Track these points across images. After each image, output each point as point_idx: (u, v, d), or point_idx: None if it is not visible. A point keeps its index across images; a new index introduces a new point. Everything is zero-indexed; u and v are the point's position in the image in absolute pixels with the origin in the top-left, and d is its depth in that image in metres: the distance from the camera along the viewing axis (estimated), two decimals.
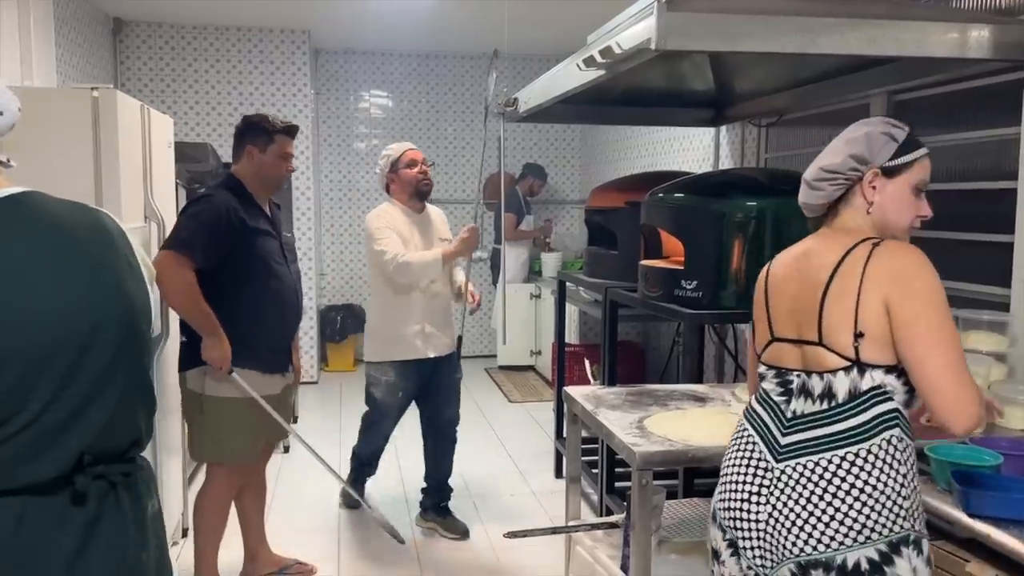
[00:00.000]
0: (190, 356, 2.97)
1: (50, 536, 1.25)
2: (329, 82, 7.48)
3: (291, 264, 3.19)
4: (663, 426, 2.27)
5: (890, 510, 1.57)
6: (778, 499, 1.65)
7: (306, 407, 6.05)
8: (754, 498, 1.69)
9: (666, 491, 2.54)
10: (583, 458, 3.85)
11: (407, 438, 3.95)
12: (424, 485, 3.96)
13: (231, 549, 3.36)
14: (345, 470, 4.47)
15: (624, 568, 2.36)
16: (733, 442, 1.80)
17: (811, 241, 1.78)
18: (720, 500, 1.77)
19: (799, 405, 1.69)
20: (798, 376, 1.70)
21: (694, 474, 3.43)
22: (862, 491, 1.58)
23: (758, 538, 1.68)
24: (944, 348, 1.54)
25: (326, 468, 3.26)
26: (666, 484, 3.03)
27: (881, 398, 1.60)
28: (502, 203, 3.94)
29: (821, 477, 1.61)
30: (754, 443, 1.74)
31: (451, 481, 3.95)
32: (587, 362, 4.99)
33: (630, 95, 3.98)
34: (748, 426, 1.78)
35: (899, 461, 1.59)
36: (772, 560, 1.66)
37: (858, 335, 1.59)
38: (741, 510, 1.71)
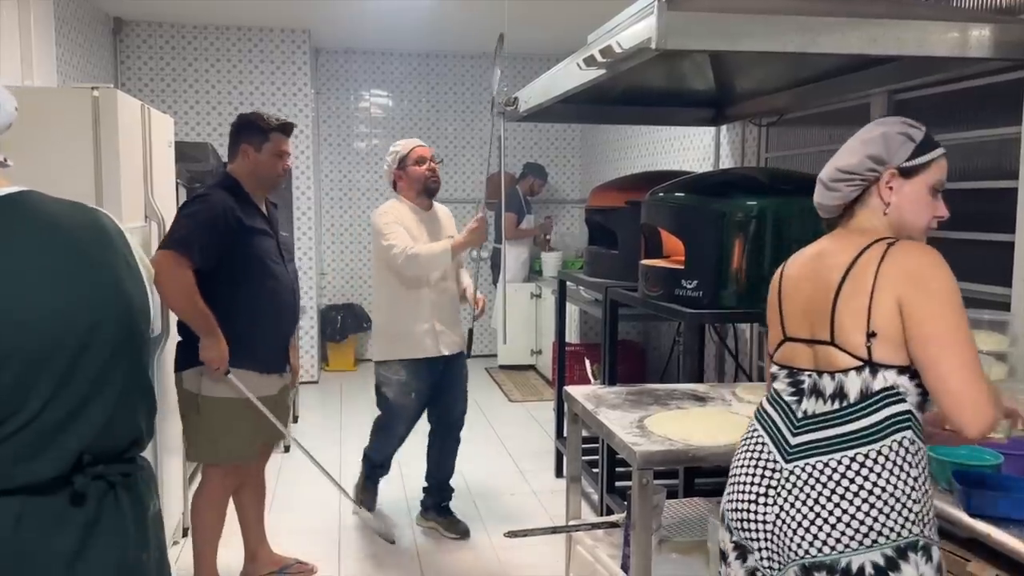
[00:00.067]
0: (187, 356, 2.96)
1: (49, 536, 1.25)
2: (329, 82, 7.48)
3: (288, 263, 3.18)
4: (663, 425, 2.27)
5: (899, 513, 1.55)
6: (786, 500, 1.64)
7: (307, 406, 6.05)
8: (762, 499, 1.68)
9: (666, 490, 2.54)
10: (583, 457, 3.85)
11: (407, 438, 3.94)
12: (425, 484, 3.96)
13: (231, 549, 3.36)
14: (345, 469, 4.47)
15: (624, 567, 2.36)
16: (743, 443, 1.79)
17: (825, 242, 1.77)
18: (728, 501, 1.76)
19: (810, 405, 1.68)
20: (809, 376, 1.69)
21: (694, 473, 3.43)
22: (871, 493, 1.56)
23: (766, 539, 1.67)
24: (959, 348, 1.52)
25: (320, 470, 3.26)
26: (666, 483, 3.03)
27: (893, 399, 1.58)
28: (502, 203, 3.93)
29: (830, 478, 1.59)
30: (763, 443, 1.72)
31: (451, 481, 3.95)
32: (587, 361, 4.98)
33: (630, 94, 3.98)
34: (758, 426, 1.77)
35: (910, 464, 1.57)
36: (779, 562, 1.64)
37: (871, 335, 1.58)
38: (749, 511, 1.69)
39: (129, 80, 6.35)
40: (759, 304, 3.04)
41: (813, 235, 2.98)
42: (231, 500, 3.26)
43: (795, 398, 1.71)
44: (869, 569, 1.55)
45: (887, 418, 1.58)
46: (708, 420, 2.37)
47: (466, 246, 3.67)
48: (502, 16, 5.00)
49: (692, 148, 5.30)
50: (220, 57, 6.55)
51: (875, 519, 1.55)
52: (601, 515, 3.69)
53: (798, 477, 1.63)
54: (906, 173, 1.67)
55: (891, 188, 1.67)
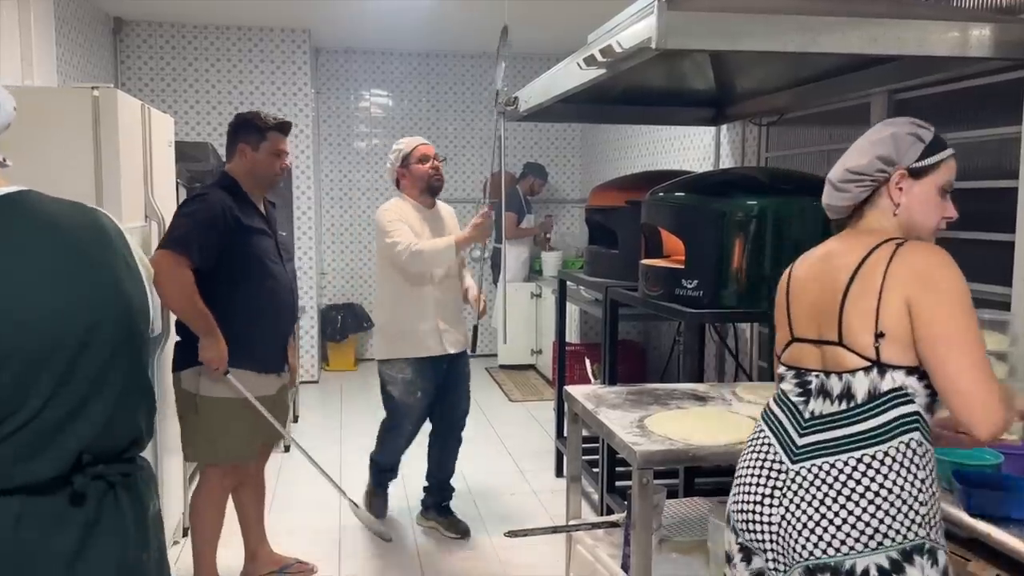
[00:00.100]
0: (185, 356, 2.96)
1: (49, 536, 1.24)
2: (329, 81, 7.48)
3: (287, 263, 3.17)
4: (664, 425, 2.27)
5: (905, 515, 1.54)
6: (791, 501, 1.63)
7: (307, 406, 6.05)
8: (767, 500, 1.67)
9: (667, 490, 2.54)
10: (584, 457, 3.85)
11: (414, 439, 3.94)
12: (426, 484, 3.96)
13: (231, 549, 3.36)
14: (346, 469, 4.47)
15: (625, 567, 2.36)
16: (749, 444, 1.78)
17: (833, 243, 1.76)
18: (734, 503, 1.75)
19: (817, 405, 1.67)
20: (817, 376, 1.68)
21: (695, 473, 3.43)
22: (876, 494, 1.55)
23: (771, 541, 1.66)
24: (968, 348, 1.51)
25: (317, 469, 3.25)
26: (667, 483, 3.03)
27: (901, 400, 1.57)
28: (502, 202, 3.92)
29: (836, 479, 1.58)
30: (769, 444, 1.71)
31: (452, 480, 3.95)
32: (588, 361, 4.98)
33: (631, 94, 3.98)
34: (764, 427, 1.76)
35: (917, 466, 1.56)
36: (784, 564, 1.63)
37: (879, 335, 1.57)
38: (754, 512, 1.68)
39: (129, 80, 6.35)
40: (759, 304, 3.08)
41: (813, 234, 3.02)
42: (231, 500, 3.26)
43: (802, 399, 1.70)
44: (873, 572, 1.54)
45: (895, 419, 1.57)
46: (708, 420, 2.37)
47: (470, 241, 3.64)
48: (502, 16, 5.01)
49: (692, 148, 5.30)
50: (220, 57, 6.55)
51: (880, 521, 1.54)
52: (601, 515, 3.69)
53: (804, 478, 1.62)
54: (916, 174, 1.66)
55: (901, 189, 1.66)
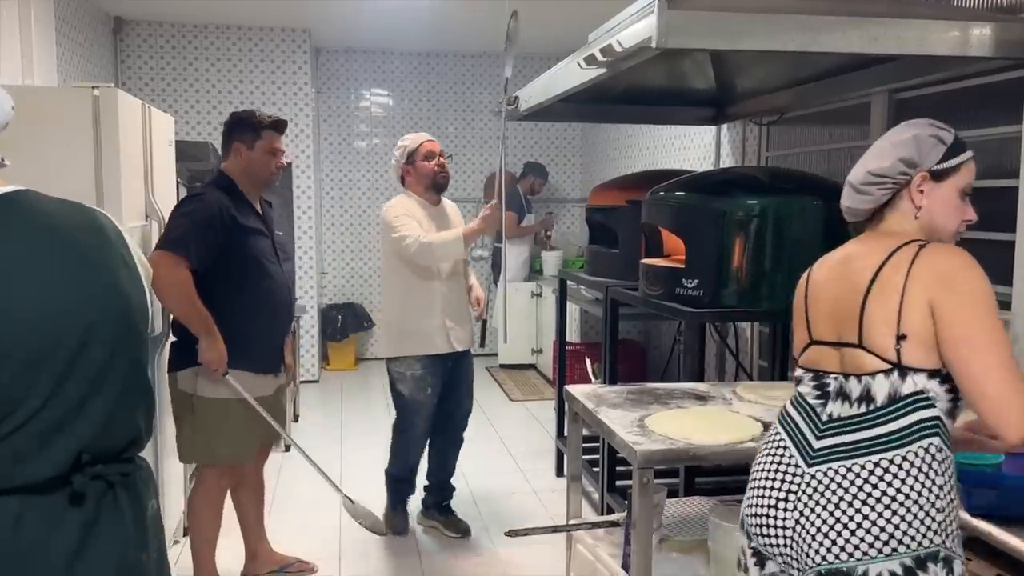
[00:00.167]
0: (181, 356, 2.94)
1: (48, 536, 1.24)
2: (330, 81, 7.48)
3: (283, 263, 3.16)
4: (664, 425, 2.27)
5: (921, 521, 1.51)
6: (806, 505, 1.60)
7: (307, 405, 6.05)
8: (782, 504, 1.64)
9: (667, 489, 2.54)
10: (584, 457, 3.85)
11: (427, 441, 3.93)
12: (426, 483, 3.95)
13: (232, 548, 3.36)
14: (346, 468, 4.47)
15: (625, 566, 2.35)
16: (763, 447, 1.76)
17: (852, 245, 1.73)
18: (747, 507, 1.72)
19: (836, 408, 1.64)
20: (835, 379, 1.66)
21: (695, 472, 3.43)
22: (893, 499, 1.52)
23: (785, 545, 1.63)
24: (994, 349, 1.48)
25: (312, 465, 3.25)
26: (667, 482, 3.02)
27: (922, 404, 1.55)
28: (502, 201, 3.90)
29: (852, 483, 1.56)
30: (785, 447, 1.69)
31: (452, 480, 3.95)
32: (588, 361, 4.98)
33: (631, 93, 3.98)
34: (780, 430, 1.74)
35: (935, 471, 1.53)
36: (798, 569, 1.61)
37: (900, 337, 1.54)
38: (768, 516, 1.66)
39: (130, 79, 6.35)
40: (760, 303, 3.08)
41: (813, 234, 3.03)
42: (230, 500, 3.26)
43: (820, 401, 1.68)
44: None
45: (914, 423, 1.54)
46: (709, 419, 2.36)
47: (479, 233, 3.61)
48: (503, 15, 5.00)
49: (693, 147, 5.30)
50: (220, 56, 6.55)
51: (896, 526, 1.51)
52: (602, 514, 3.69)
53: (819, 482, 1.59)
54: (937, 176, 1.65)
55: (922, 191, 1.65)
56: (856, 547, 1.53)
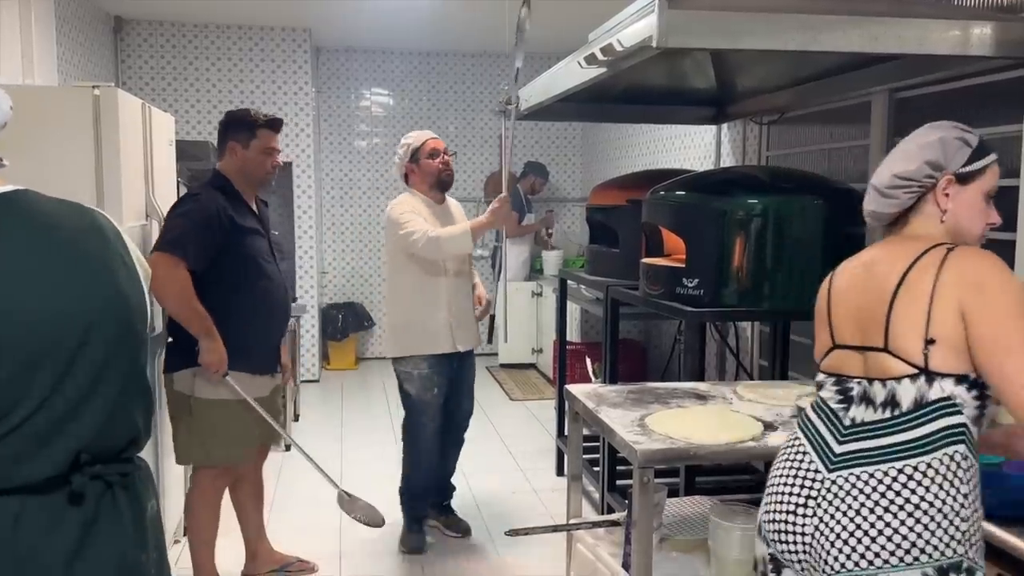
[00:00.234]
0: (178, 357, 2.92)
1: (48, 536, 1.24)
2: (330, 80, 7.48)
3: (280, 262, 3.14)
4: (664, 424, 2.27)
5: (944, 531, 1.49)
6: (826, 511, 1.58)
7: (308, 405, 6.05)
8: (800, 510, 1.62)
9: (667, 489, 2.54)
10: (584, 456, 3.85)
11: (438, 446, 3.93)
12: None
13: (232, 548, 3.36)
14: (346, 467, 4.47)
15: (625, 566, 2.35)
16: (782, 452, 1.74)
17: (876, 250, 1.71)
18: (765, 512, 1.70)
19: (859, 413, 1.62)
20: (859, 383, 1.63)
21: (696, 472, 3.42)
22: (916, 507, 1.50)
23: (804, 551, 1.61)
24: None
25: (308, 460, 3.24)
26: (667, 482, 3.02)
27: (949, 410, 1.52)
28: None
29: (875, 490, 1.53)
30: (804, 452, 1.67)
31: (453, 479, 3.95)
32: (588, 360, 4.98)
33: (631, 93, 3.97)
34: (800, 435, 1.71)
35: (960, 480, 1.51)
36: None
37: (929, 341, 1.52)
38: (787, 522, 1.63)
39: (130, 79, 6.35)
40: (760, 303, 3.08)
41: (814, 233, 3.03)
42: (230, 499, 3.25)
43: (843, 406, 1.65)
44: None
45: (940, 430, 1.52)
46: (709, 418, 2.36)
47: (487, 227, 3.57)
48: (503, 14, 5.00)
49: (693, 146, 5.30)
50: (221, 56, 6.55)
51: (919, 535, 1.49)
52: (602, 514, 3.69)
53: (840, 487, 1.57)
54: (963, 179, 1.64)
55: (947, 195, 1.64)
56: (877, 555, 1.51)
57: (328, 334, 7.26)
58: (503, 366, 7.39)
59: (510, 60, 3.37)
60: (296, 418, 5.56)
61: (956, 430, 1.52)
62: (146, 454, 1.45)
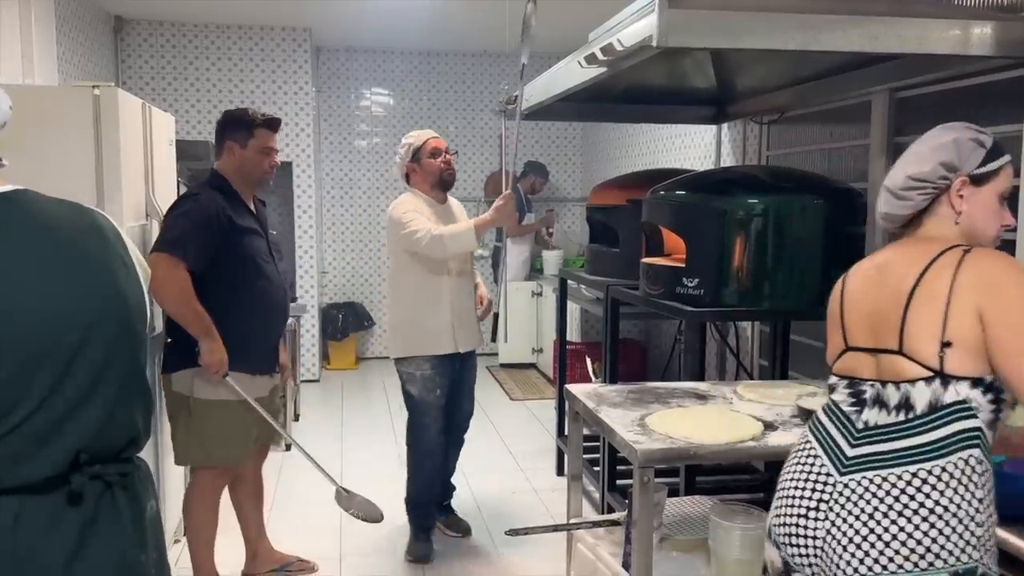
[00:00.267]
0: (177, 357, 2.91)
1: (47, 536, 1.24)
2: (330, 80, 7.48)
3: (278, 262, 3.14)
4: (664, 424, 2.27)
5: (960, 536, 1.48)
6: (838, 514, 1.57)
7: (308, 404, 6.05)
8: (812, 513, 1.61)
9: (668, 488, 2.54)
10: (584, 456, 3.85)
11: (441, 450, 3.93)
12: None
13: (232, 547, 3.36)
14: (346, 467, 4.46)
15: (626, 565, 2.35)
16: (793, 456, 1.73)
17: (889, 252, 1.70)
18: (776, 516, 1.69)
19: (872, 416, 1.61)
20: (872, 386, 1.63)
21: (696, 471, 3.42)
22: (931, 511, 1.49)
23: (814, 555, 1.60)
24: None
25: (309, 460, 3.24)
26: (668, 482, 3.02)
27: (964, 414, 1.51)
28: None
29: (888, 493, 1.52)
30: (816, 456, 1.66)
31: (453, 479, 3.94)
32: (588, 360, 4.98)
33: (631, 93, 3.97)
34: (811, 438, 1.70)
35: (975, 484, 1.50)
36: None
37: (945, 344, 1.51)
38: (798, 526, 1.62)
39: (130, 79, 6.35)
40: (760, 302, 3.08)
41: (814, 233, 3.03)
42: (230, 499, 3.25)
43: (855, 408, 1.64)
44: None
45: (955, 433, 1.51)
46: (709, 418, 2.36)
47: (492, 224, 3.51)
48: (503, 14, 5.00)
49: (693, 146, 5.30)
50: (221, 56, 6.55)
51: (934, 540, 1.48)
52: (602, 513, 3.69)
53: (852, 491, 1.56)
54: (977, 180, 1.63)
55: (962, 196, 1.63)
56: (891, 559, 1.50)
57: (328, 334, 7.26)
58: (503, 366, 7.39)
59: (511, 58, 3.39)
60: (296, 418, 5.56)
61: (971, 434, 1.51)
62: (146, 454, 1.45)
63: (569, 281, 4.83)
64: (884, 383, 1.60)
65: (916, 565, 1.48)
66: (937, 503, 1.49)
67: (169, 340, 2.96)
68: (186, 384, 2.92)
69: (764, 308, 3.11)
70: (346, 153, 7.58)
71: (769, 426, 2.28)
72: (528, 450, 5.11)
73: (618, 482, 3.80)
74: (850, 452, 1.61)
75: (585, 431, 2.78)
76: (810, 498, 1.62)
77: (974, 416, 1.52)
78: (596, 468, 3.98)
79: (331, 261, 7.65)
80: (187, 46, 6.49)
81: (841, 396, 1.69)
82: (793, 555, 1.64)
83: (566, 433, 3.20)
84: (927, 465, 1.51)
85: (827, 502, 1.59)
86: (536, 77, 3.65)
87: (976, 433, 1.51)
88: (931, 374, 1.53)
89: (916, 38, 2.36)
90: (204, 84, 6.53)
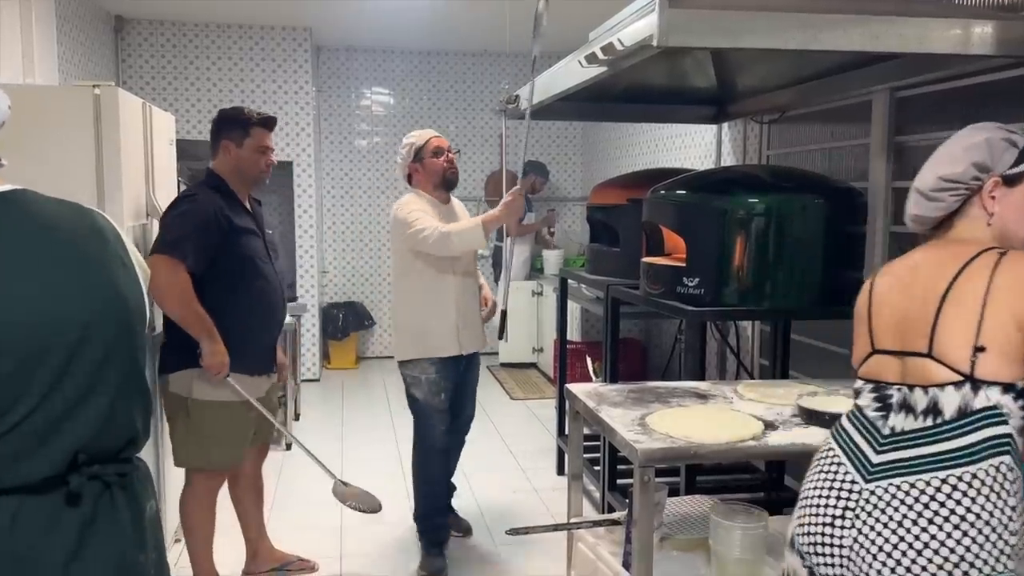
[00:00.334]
0: (175, 358, 2.90)
1: (45, 537, 1.24)
2: (331, 80, 7.48)
3: (276, 262, 3.13)
4: (665, 423, 2.27)
5: (994, 545, 1.44)
6: (864, 522, 1.53)
7: (308, 404, 6.05)
8: (838, 522, 1.57)
9: (668, 488, 2.54)
10: (585, 455, 3.85)
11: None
12: None
13: (232, 546, 3.36)
14: (347, 466, 4.46)
15: (626, 565, 2.35)
16: (815, 463, 1.69)
17: (920, 254, 1.67)
18: (799, 525, 1.65)
19: (898, 421, 1.57)
20: (899, 390, 1.59)
21: (696, 471, 3.42)
22: (963, 519, 1.45)
23: (841, 564, 1.56)
24: None
25: (308, 455, 3.24)
26: (668, 481, 3.02)
27: (994, 420, 1.47)
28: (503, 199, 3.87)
29: (917, 500, 1.48)
30: (839, 463, 1.62)
31: (454, 479, 3.94)
32: (589, 359, 4.99)
33: (632, 92, 3.97)
34: (834, 445, 1.67)
35: (1008, 492, 1.46)
36: None
37: (978, 349, 1.48)
38: (823, 535, 1.59)
39: (131, 78, 6.35)
40: (761, 302, 3.08)
41: (815, 232, 3.03)
42: (230, 498, 3.25)
43: (881, 414, 1.61)
44: None
45: (985, 440, 1.47)
46: (710, 418, 2.36)
47: (500, 221, 3.42)
48: (503, 14, 5.00)
49: (694, 146, 5.30)
50: (222, 55, 6.55)
51: (967, 548, 1.44)
52: (603, 513, 3.69)
53: (879, 498, 1.52)
54: (1010, 181, 1.60)
55: (994, 197, 1.60)
56: (924, 568, 1.46)
57: (329, 333, 7.27)
58: (504, 365, 7.39)
59: (512, 57, 3.39)
60: (297, 417, 5.56)
61: (1002, 440, 1.48)
62: (146, 454, 1.45)
63: (569, 280, 4.84)
64: (911, 387, 1.57)
65: (950, 574, 1.45)
66: (969, 510, 1.45)
67: (165, 341, 2.95)
68: (184, 385, 2.91)
69: (764, 308, 3.11)
70: (346, 153, 7.58)
71: (769, 425, 2.28)
72: (528, 449, 5.11)
73: (618, 481, 3.80)
74: (875, 459, 1.57)
75: (585, 430, 2.78)
76: (835, 506, 1.58)
77: (1004, 422, 1.48)
78: (596, 468, 3.98)
79: (331, 260, 7.65)
80: (187, 46, 6.49)
81: (866, 400, 1.65)
82: (818, 564, 1.60)
83: (566, 432, 3.20)
84: (957, 471, 1.48)
85: (853, 510, 1.56)
86: (536, 77, 3.65)
87: (1007, 439, 1.47)
88: (961, 378, 1.50)
89: (917, 37, 2.36)
90: (204, 84, 6.53)
